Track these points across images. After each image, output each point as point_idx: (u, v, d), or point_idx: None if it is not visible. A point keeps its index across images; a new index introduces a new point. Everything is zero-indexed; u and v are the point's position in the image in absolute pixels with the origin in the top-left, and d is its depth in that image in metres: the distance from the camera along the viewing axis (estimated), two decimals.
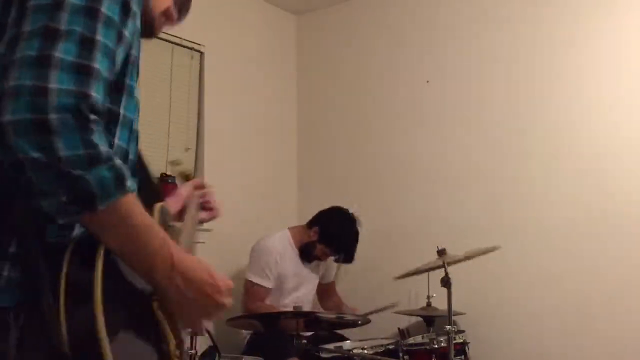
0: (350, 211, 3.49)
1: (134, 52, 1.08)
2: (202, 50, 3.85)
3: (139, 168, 1.23)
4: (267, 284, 3.39)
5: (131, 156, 1.15)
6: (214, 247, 3.21)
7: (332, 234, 3.44)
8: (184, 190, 1.50)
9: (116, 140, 1.07)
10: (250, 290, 3.39)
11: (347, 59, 4.33)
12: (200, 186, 1.53)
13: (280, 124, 4.41)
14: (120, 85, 1.06)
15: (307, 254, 3.49)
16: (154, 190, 1.28)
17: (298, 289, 3.53)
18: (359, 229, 3.47)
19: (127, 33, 1.03)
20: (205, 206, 1.52)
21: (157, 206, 1.16)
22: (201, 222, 1.53)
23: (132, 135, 1.14)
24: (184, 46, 3.74)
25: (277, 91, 4.40)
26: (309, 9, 4.51)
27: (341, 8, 4.38)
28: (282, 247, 3.46)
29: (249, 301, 3.38)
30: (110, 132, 1.05)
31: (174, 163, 3.35)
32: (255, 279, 3.38)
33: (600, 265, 3.33)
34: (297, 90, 4.53)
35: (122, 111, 1.07)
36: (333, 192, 4.10)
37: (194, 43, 3.79)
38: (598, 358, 3.29)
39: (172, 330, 1.11)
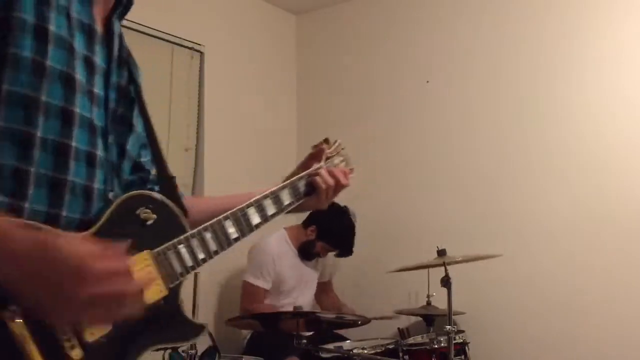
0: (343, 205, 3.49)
1: (18, 14, 0.96)
2: (202, 50, 3.84)
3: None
4: (265, 284, 3.40)
5: (91, 119, 1.05)
6: None
7: (329, 230, 3.45)
8: None
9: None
10: (248, 291, 3.40)
11: (347, 59, 4.32)
12: None
13: (280, 124, 4.40)
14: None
15: (307, 252, 3.51)
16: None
17: (298, 289, 3.53)
18: (354, 222, 3.48)
19: None
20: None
21: None
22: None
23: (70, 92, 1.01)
24: (184, 46, 3.74)
25: (277, 91, 4.40)
26: (309, 9, 4.51)
27: (341, 8, 4.38)
28: (279, 247, 3.46)
29: (247, 302, 3.39)
30: None
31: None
32: (253, 280, 3.40)
33: (601, 266, 3.33)
34: (297, 90, 4.53)
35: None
36: None
37: (194, 43, 3.79)
38: (598, 358, 3.29)
39: (53, 342, 0.86)
